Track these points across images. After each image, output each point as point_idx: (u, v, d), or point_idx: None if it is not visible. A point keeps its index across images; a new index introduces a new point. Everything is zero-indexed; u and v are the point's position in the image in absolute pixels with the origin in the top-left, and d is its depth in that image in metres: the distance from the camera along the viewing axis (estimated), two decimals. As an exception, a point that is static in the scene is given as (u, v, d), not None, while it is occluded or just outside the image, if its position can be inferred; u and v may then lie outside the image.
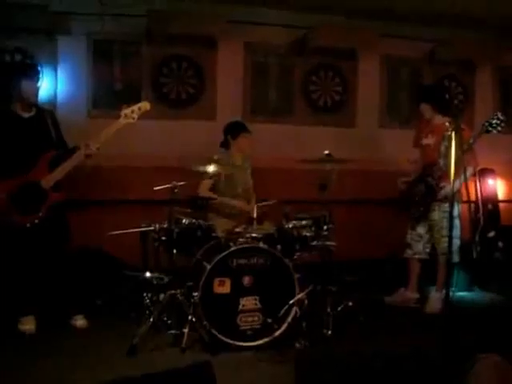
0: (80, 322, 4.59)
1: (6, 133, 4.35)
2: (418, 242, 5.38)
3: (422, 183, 5.18)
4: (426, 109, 5.30)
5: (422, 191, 5.18)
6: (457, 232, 5.03)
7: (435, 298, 5.22)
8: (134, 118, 4.47)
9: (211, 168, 4.64)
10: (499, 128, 4.28)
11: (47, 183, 4.34)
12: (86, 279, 4.98)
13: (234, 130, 5.25)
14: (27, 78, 4.42)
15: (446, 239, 4.87)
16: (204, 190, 5.10)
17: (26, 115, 4.44)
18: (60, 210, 4.47)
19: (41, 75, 4.49)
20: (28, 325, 4.45)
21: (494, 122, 4.32)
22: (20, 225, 4.26)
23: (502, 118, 4.32)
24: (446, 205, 5.00)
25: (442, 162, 5.04)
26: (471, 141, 4.66)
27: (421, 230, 5.34)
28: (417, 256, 5.40)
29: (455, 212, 4.80)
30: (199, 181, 5.07)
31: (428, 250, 5.37)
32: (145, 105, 4.54)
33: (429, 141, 5.31)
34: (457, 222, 5.00)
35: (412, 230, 5.39)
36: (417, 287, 5.50)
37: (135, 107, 4.48)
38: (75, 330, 4.55)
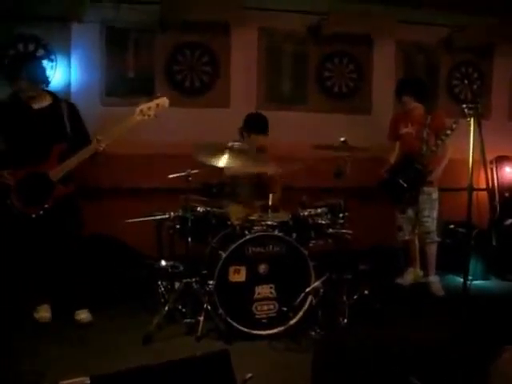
0: (82, 316, 4.45)
1: (14, 123, 4.30)
2: (408, 225, 5.57)
3: (410, 169, 5.28)
4: (408, 100, 5.43)
5: (411, 177, 5.26)
6: (435, 213, 5.41)
7: (436, 281, 5.49)
8: (149, 116, 4.23)
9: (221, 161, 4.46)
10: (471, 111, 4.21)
11: (55, 175, 4.24)
12: (98, 269, 4.97)
13: (249, 126, 5.10)
14: (12, 79, 4.32)
15: (428, 219, 5.36)
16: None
17: (36, 106, 4.35)
18: (70, 201, 4.39)
19: (24, 73, 4.27)
20: (43, 313, 4.46)
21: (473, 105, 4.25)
22: (25, 215, 4.22)
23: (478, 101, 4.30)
24: (431, 188, 5.36)
25: (424, 148, 5.23)
26: (454, 126, 4.96)
27: (410, 212, 5.50)
28: (407, 237, 5.61)
29: (435, 195, 5.34)
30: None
31: (416, 231, 5.58)
32: (163, 101, 4.28)
33: (409, 129, 5.51)
34: (436, 204, 5.40)
35: (402, 214, 5.54)
36: (420, 263, 5.73)
37: (153, 104, 4.23)
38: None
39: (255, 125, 5.10)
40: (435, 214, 5.40)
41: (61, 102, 4.48)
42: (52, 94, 4.52)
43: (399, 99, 5.56)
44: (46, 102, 4.41)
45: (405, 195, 5.32)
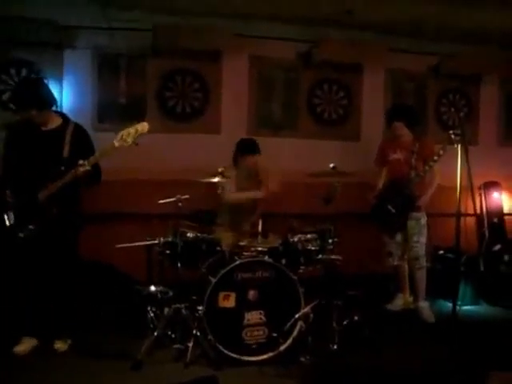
0: (59, 345, 4.42)
1: (23, 144, 4.32)
2: (397, 250, 5.57)
3: (399, 195, 5.30)
4: (399, 126, 5.43)
5: (399, 202, 5.30)
6: (423, 239, 5.40)
7: (426, 307, 5.47)
8: (128, 142, 4.11)
9: (216, 179, 4.60)
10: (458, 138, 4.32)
11: (42, 196, 4.21)
12: (87, 294, 4.94)
13: (243, 148, 5.22)
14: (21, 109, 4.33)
15: (417, 245, 5.37)
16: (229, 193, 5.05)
17: (46, 128, 4.36)
18: (62, 227, 4.32)
19: (32, 102, 4.28)
20: (27, 343, 4.38)
21: (459, 132, 4.34)
22: (15, 233, 4.22)
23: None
24: (419, 213, 5.36)
25: (413, 174, 5.26)
26: (441, 152, 4.95)
27: (398, 238, 5.51)
28: (396, 263, 5.61)
29: (423, 221, 5.40)
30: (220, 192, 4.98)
31: (406, 257, 5.58)
32: (142, 126, 4.15)
33: (398, 155, 5.52)
34: (424, 229, 5.40)
35: (391, 239, 5.55)
36: (409, 290, 5.72)
37: (132, 129, 4.12)
38: (78, 344, 4.45)
39: (248, 146, 5.22)
40: (424, 239, 5.41)
41: (68, 123, 4.46)
42: (62, 115, 4.54)
43: (389, 125, 5.54)
44: (56, 123, 4.42)
45: (393, 221, 5.35)
